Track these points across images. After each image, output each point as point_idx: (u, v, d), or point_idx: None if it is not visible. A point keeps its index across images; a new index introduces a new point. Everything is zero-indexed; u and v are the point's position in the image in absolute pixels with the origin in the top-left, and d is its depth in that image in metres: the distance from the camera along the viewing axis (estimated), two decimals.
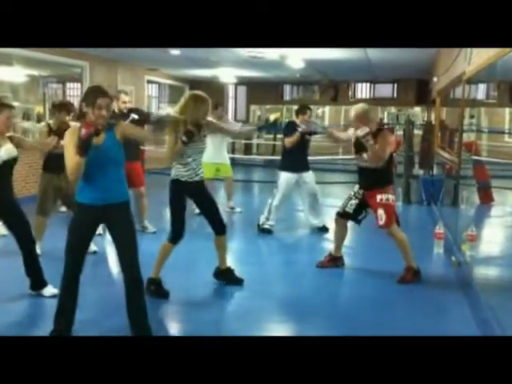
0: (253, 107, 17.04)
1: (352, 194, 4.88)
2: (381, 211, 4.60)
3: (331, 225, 6.79)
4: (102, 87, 3.28)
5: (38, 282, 4.13)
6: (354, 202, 4.82)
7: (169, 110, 5.50)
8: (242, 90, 16.24)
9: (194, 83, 14.80)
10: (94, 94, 3.16)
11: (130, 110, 5.77)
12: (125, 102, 5.90)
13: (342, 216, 4.94)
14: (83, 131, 2.97)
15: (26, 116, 10.58)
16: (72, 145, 3.05)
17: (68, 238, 3.25)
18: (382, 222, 4.63)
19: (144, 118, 5.47)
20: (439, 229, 5.73)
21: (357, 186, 4.87)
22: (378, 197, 4.62)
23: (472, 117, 10.03)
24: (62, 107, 4.98)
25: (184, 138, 3.97)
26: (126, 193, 3.34)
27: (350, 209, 4.84)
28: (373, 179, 4.67)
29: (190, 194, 4.25)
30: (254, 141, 16.80)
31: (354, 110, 4.67)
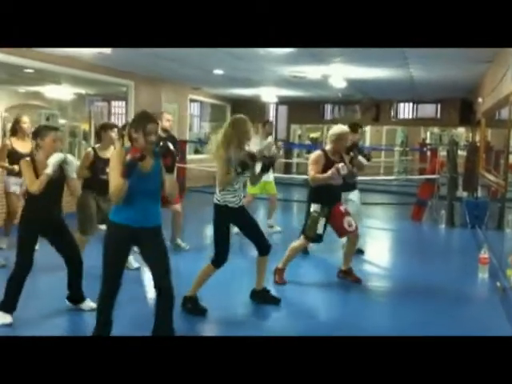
0: (293, 126, 17.08)
1: (316, 215, 4.80)
2: (349, 218, 4.92)
3: (367, 247, 6.76)
4: (149, 113, 3.39)
5: (76, 296, 4.22)
6: (322, 222, 4.82)
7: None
8: (283, 109, 16.33)
9: (236, 102, 14.96)
10: (144, 121, 3.24)
11: (169, 138, 5.25)
12: (168, 121, 6.17)
13: (314, 241, 5.02)
14: (130, 155, 3.10)
15: (73, 134, 10.90)
16: (118, 167, 3.16)
17: (104, 257, 3.30)
18: (352, 228, 4.92)
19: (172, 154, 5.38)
20: (484, 253, 5.57)
21: (317, 206, 4.80)
22: (342, 207, 4.98)
23: None
24: (106, 128, 5.11)
25: (239, 170, 4.04)
26: (160, 217, 3.43)
27: (321, 230, 4.84)
28: (339, 193, 5.03)
29: (235, 219, 4.27)
30: (294, 160, 16.80)
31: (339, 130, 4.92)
